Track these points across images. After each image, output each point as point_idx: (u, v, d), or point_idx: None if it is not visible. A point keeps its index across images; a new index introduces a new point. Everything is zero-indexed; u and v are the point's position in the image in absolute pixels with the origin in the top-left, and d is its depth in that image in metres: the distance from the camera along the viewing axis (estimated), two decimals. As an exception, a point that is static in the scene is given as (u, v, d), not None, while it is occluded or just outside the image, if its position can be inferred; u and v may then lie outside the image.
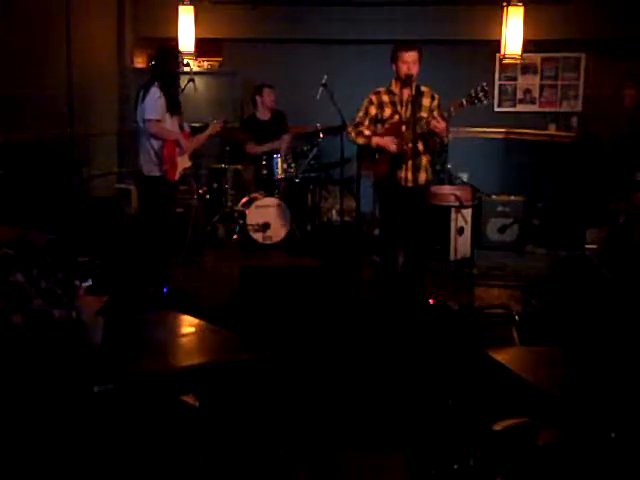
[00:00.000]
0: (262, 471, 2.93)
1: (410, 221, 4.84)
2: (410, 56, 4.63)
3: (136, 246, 5.20)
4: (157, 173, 5.02)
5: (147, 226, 5.19)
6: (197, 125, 5.88)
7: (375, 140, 4.78)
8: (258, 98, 7.02)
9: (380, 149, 4.77)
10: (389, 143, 4.71)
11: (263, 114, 7.05)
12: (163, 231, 5.09)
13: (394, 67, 4.73)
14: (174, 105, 5.05)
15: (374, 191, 5.15)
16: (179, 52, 5.38)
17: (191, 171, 5.67)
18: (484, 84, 4.47)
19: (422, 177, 4.80)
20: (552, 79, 8.06)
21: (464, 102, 4.51)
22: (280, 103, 7.15)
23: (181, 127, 5.19)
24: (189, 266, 5.89)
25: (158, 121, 4.95)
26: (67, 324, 2.56)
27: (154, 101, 4.92)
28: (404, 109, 4.77)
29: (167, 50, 5.31)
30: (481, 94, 4.45)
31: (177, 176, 5.08)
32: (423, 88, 4.76)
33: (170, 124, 5.05)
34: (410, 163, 4.67)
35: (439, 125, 4.54)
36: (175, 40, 7.11)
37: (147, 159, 5.05)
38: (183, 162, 5.16)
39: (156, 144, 4.99)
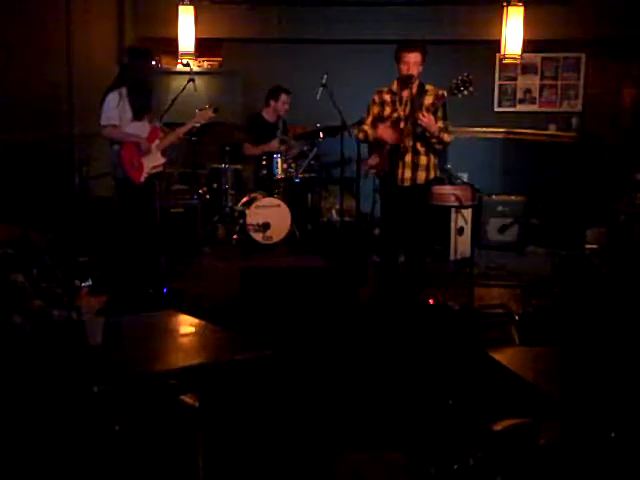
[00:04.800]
0: (262, 471, 2.93)
1: (409, 221, 4.83)
2: (411, 57, 4.62)
3: (136, 246, 5.19)
4: (121, 176, 4.99)
5: (126, 226, 5.13)
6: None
7: (371, 132, 4.81)
8: (272, 102, 6.96)
9: (380, 144, 4.76)
10: (385, 133, 4.71)
11: (270, 116, 7.02)
12: (140, 231, 5.05)
13: (397, 67, 4.72)
14: (140, 109, 4.99)
15: (378, 188, 5.13)
16: (149, 53, 5.23)
17: (190, 170, 5.63)
18: (466, 74, 4.42)
19: (421, 176, 4.77)
20: (552, 79, 8.06)
21: (445, 93, 4.49)
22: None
23: (152, 124, 5.13)
24: (189, 266, 5.89)
25: (113, 126, 4.92)
26: (67, 324, 2.56)
27: (109, 107, 4.89)
28: (403, 107, 4.76)
29: (135, 52, 5.18)
30: (462, 84, 4.41)
31: (143, 177, 5.01)
32: (427, 87, 4.71)
33: (135, 127, 4.99)
34: (408, 161, 4.67)
35: (424, 119, 4.51)
36: (171, 40, 7.12)
37: (112, 162, 5.05)
38: (151, 161, 5.07)
39: (116, 147, 4.97)
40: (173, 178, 7.32)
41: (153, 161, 5.11)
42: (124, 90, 4.91)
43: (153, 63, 5.42)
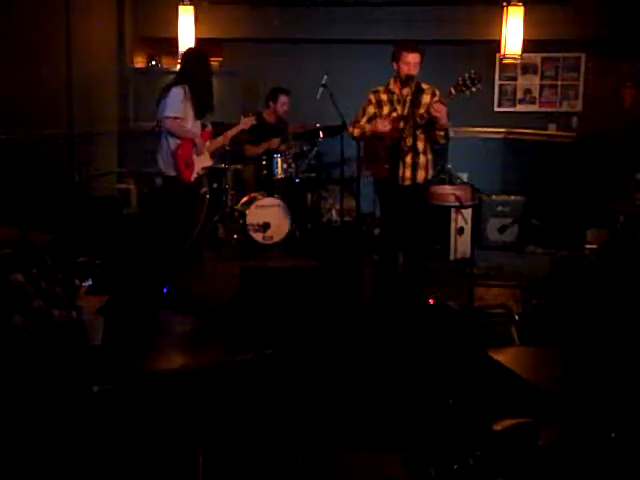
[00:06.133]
0: (262, 471, 2.93)
1: (409, 220, 4.83)
2: (413, 57, 4.62)
3: (136, 246, 5.20)
4: (172, 173, 5.07)
5: (154, 225, 5.21)
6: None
7: (368, 127, 4.80)
8: (271, 103, 6.97)
9: (376, 144, 4.76)
10: (380, 125, 4.71)
11: (270, 117, 7.02)
12: (175, 231, 5.11)
13: (395, 66, 4.72)
14: (201, 108, 5.08)
15: (374, 190, 5.14)
16: (208, 55, 5.41)
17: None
18: (472, 71, 4.41)
19: (421, 176, 4.77)
20: (552, 79, 8.06)
21: (452, 91, 4.48)
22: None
23: (204, 126, 5.22)
24: (189, 266, 5.89)
25: (176, 118, 4.98)
26: (67, 324, 2.56)
27: (175, 100, 4.95)
28: (401, 107, 4.76)
29: (195, 53, 5.35)
30: (469, 81, 4.41)
31: (193, 177, 5.11)
32: (424, 85, 4.73)
33: (192, 125, 5.08)
34: (409, 161, 4.66)
35: (440, 109, 4.49)
36: (171, 40, 7.13)
37: (164, 158, 5.10)
38: (202, 162, 5.20)
39: (173, 143, 5.03)
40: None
41: (203, 162, 5.23)
42: (187, 88, 4.98)
43: (210, 65, 5.51)
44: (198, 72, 5.09)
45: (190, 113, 5.04)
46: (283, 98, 6.92)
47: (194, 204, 5.28)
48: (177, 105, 4.95)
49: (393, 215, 4.87)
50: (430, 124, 4.63)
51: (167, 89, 5.03)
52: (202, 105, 5.08)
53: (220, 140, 5.43)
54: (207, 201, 6.40)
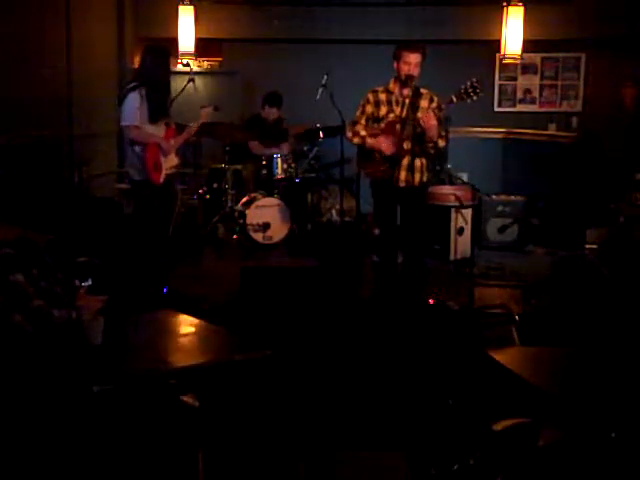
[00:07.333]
0: (262, 470, 2.93)
1: (407, 222, 4.83)
2: (413, 57, 4.60)
3: (136, 246, 5.19)
4: (137, 177, 4.94)
5: (141, 228, 5.13)
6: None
7: (369, 141, 4.78)
8: (263, 108, 7.08)
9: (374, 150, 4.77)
10: (382, 145, 4.70)
11: (267, 116, 7.07)
12: (156, 232, 5.03)
13: (395, 66, 4.70)
14: (158, 112, 4.89)
15: (370, 191, 5.13)
16: (169, 54, 5.17)
17: (190, 170, 5.61)
18: (474, 79, 4.41)
19: (416, 178, 4.71)
20: (552, 79, 8.07)
21: (454, 98, 4.47)
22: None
23: (166, 124, 5.08)
24: (189, 266, 5.89)
25: (136, 127, 4.82)
26: (67, 324, 2.56)
27: (131, 107, 4.78)
28: (400, 108, 4.74)
29: (155, 51, 5.04)
30: (471, 90, 4.40)
31: (162, 178, 4.96)
32: (422, 90, 4.70)
33: (152, 128, 4.91)
34: (405, 164, 4.66)
35: (428, 121, 4.48)
36: (171, 40, 7.12)
37: (130, 163, 4.99)
38: (168, 162, 5.03)
39: (138, 148, 4.89)
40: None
41: (170, 162, 5.06)
42: (143, 90, 4.80)
43: (171, 63, 5.28)
44: (157, 72, 4.88)
45: (147, 116, 4.85)
46: (267, 109, 7.00)
47: (165, 205, 5.08)
48: (133, 113, 4.77)
49: (388, 216, 4.86)
50: (421, 133, 4.61)
51: (125, 93, 4.86)
52: (157, 109, 4.87)
53: (184, 136, 5.18)
54: (181, 200, 6.21)
